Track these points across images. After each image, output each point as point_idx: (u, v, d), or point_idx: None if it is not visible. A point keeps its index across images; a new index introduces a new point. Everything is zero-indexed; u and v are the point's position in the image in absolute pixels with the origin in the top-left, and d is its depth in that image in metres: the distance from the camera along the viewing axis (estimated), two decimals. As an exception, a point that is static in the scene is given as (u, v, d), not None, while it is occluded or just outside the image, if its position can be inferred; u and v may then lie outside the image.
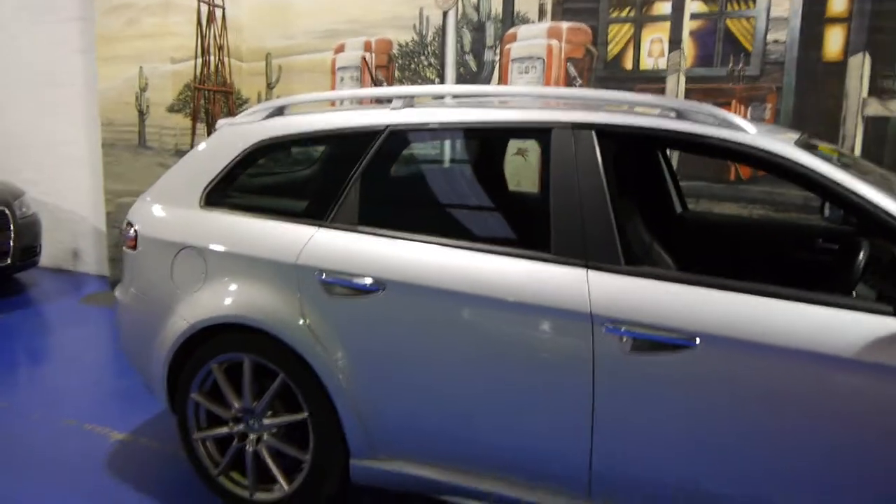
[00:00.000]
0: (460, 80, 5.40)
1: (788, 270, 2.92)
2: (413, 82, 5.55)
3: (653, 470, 2.13)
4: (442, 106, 2.58)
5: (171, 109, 5.95)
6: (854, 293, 2.17)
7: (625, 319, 2.07)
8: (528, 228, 2.38)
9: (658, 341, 2.04)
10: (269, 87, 5.83)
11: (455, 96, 3.07)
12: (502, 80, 5.30)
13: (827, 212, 3.26)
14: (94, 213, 6.58)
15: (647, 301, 2.07)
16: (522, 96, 2.83)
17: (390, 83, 5.63)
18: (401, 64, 5.56)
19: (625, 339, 2.07)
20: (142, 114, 6.03)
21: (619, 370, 2.09)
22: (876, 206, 1.96)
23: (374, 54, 5.63)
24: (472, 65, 5.35)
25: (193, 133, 5.94)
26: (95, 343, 4.89)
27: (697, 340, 1.99)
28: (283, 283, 2.51)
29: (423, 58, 5.50)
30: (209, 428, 2.78)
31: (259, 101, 5.84)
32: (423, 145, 3.87)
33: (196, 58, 5.81)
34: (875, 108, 4.47)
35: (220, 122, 2.93)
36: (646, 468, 2.14)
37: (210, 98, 5.83)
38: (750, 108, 4.66)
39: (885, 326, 1.86)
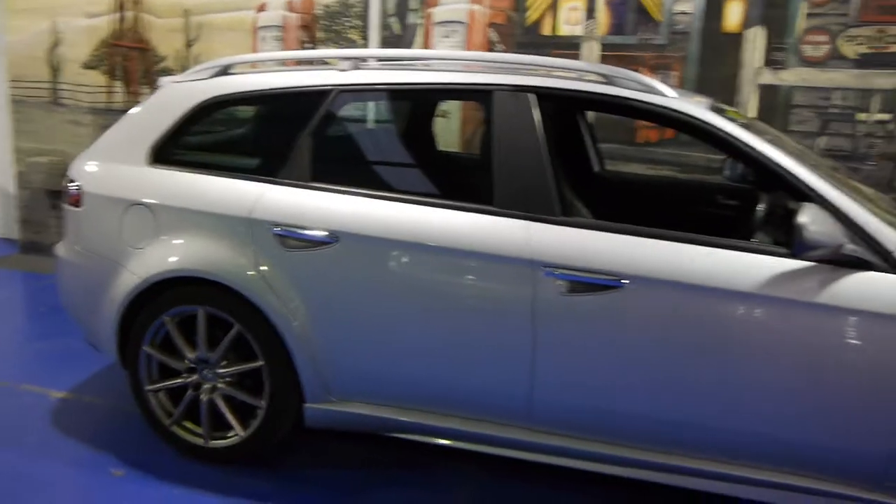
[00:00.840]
0: (384, 42, 5.50)
1: (693, 224, 3.25)
2: (337, 44, 5.61)
3: (588, 398, 2.41)
4: (389, 68, 2.73)
5: (87, 66, 5.77)
6: (755, 239, 2.48)
7: (561, 264, 2.32)
8: (473, 184, 2.59)
9: (590, 283, 2.30)
10: (188, 45, 5.75)
11: (392, 59, 3.20)
12: (425, 43, 5.44)
13: (727, 171, 3.61)
14: (1, 173, 6.33)
15: (581, 247, 2.32)
16: (472, 61, 2.97)
17: (313, 44, 5.66)
18: (324, 25, 5.60)
19: (561, 282, 2.32)
20: (55, 70, 5.82)
21: (556, 310, 2.34)
22: (775, 163, 2.27)
23: (296, 14, 5.63)
24: (396, 27, 5.45)
25: (109, 90, 5.79)
26: (13, 307, 4.79)
27: (625, 281, 2.26)
28: (236, 237, 2.62)
29: (346, 19, 5.56)
30: (162, 380, 2.87)
31: (177, 58, 5.75)
32: (370, 105, 3.99)
33: (112, 13, 5.65)
34: (767, 77, 4.89)
35: (164, 80, 2.96)
36: (581, 396, 2.41)
37: (126, 55, 5.69)
38: (658, 75, 5.00)
39: (783, 265, 2.18)
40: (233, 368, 2.75)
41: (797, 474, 2.31)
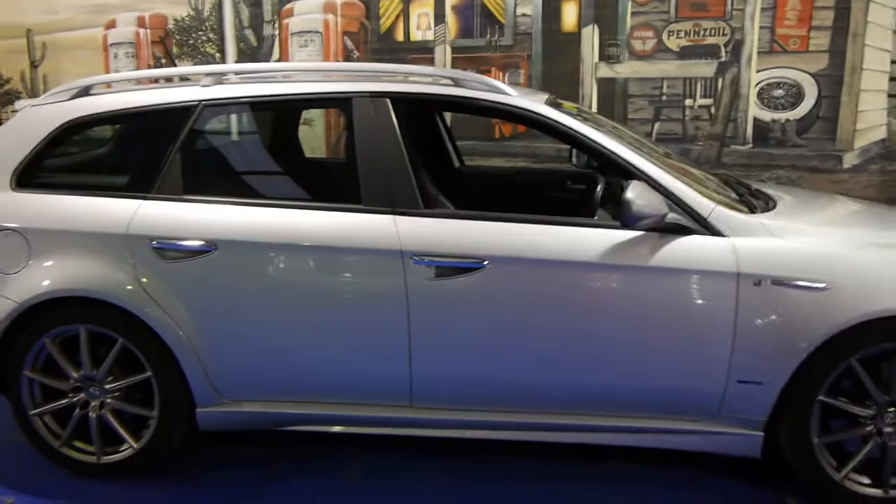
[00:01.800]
0: (241, 55, 5.56)
1: (547, 208, 3.58)
2: (193, 58, 5.61)
3: (462, 371, 2.66)
4: (252, 81, 2.86)
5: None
6: (596, 217, 2.82)
7: (427, 252, 2.55)
8: (340, 185, 2.77)
9: (455, 266, 2.55)
10: (34, 65, 5.57)
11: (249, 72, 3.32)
12: (282, 54, 5.55)
13: (574, 159, 3.98)
14: None
15: (444, 235, 2.57)
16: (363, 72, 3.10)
17: (168, 59, 5.63)
18: (178, 39, 5.58)
19: (429, 268, 2.55)
20: None
21: (427, 294, 2.58)
22: (605, 148, 2.61)
23: (148, 30, 5.59)
24: (252, 39, 5.53)
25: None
26: None
27: (486, 262, 2.52)
28: (114, 253, 2.67)
29: (201, 33, 5.57)
30: (46, 402, 2.86)
31: (23, 80, 5.56)
32: (236, 118, 4.08)
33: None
34: (604, 71, 5.37)
35: (21, 104, 2.95)
36: (457, 371, 2.66)
37: (-33, 79, 5.44)
38: (507, 74, 5.37)
39: (617, 236, 2.51)
40: (120, 383, 2.80)
41: (653, 417, 2.66)
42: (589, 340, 2.58)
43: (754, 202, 2.87)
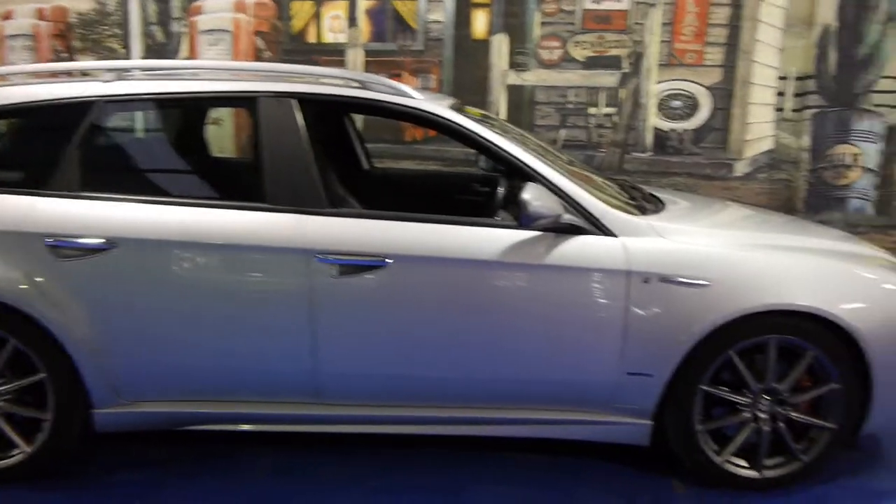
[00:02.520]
0: (147, 51, 5.44)
1: (454, 210, 3.67)
2: (95, 53, 5.45)
3: (367, 367, 2.70)
4: (155, 78, 2.83)
5: None
6: (497, 218, 2.92)
7: (331, 250, 2.59)
8: (245, 184, 2.78)
9: (358, 265, 2.60)
10: (-80, 56, 5.29)
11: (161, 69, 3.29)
12: (191, 51, 5.46)
13: (482, 163, 4.09)
14: None
15: (347, 234, 2.62)
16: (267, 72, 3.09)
17: (69, 53, 5.45)
18: (80, 34, 5.41)
19: (332, 266, 2.59)
20: None
21: (331, 291, 2.62)
22: (505, 151, 2.71)
23: (48, 22, 5.39)
24: (160, 36, 5.42)
25: None
26: None
27: (388, 260, 2.58)
28: (6, 251, 2.59)
29: (104, 28, 5.42)
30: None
31: None
32: (142, 115, 3.99)
33: None
34: (513, 79, 5.53)
35: None
36: (361, 367, 2.70)
37: None
38: (419, 79, 5.45)
39: (515, 236, 2.62)
40: (11, 385, 2.71)
41: (549, 409, 2.77)
42: (488, 336, 2.68)
43: (645, 205, 3.04)
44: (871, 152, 5.61)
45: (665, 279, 2.60)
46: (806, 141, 5.62)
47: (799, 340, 2.64)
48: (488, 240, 2.62)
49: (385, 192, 3.86)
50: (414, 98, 2.79)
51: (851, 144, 5.59)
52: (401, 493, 2.74)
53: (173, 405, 2.77)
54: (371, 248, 2.60)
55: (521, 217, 2.53)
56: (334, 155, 3.48)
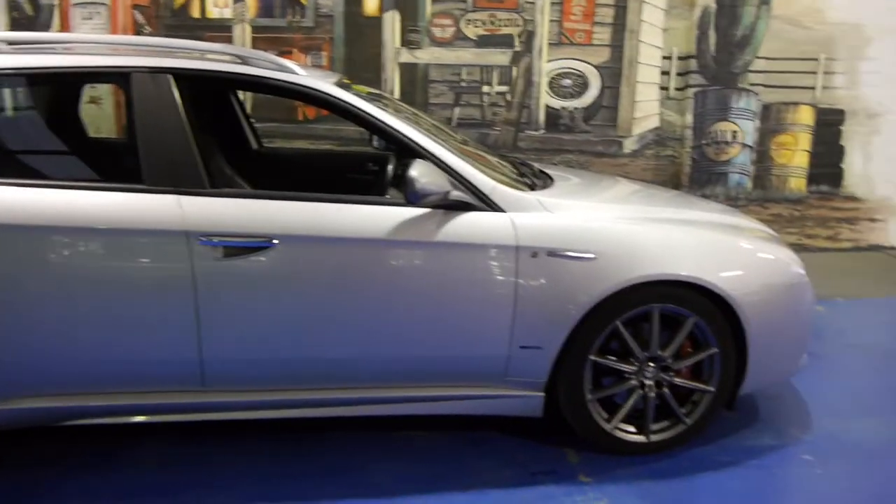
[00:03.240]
0: (14, 24, 5.07)
1: (347, 190, 3.62)
2: (-46, 26, 5.02)
3: (255, 353, 2.62)
4: (23, 52, 2.63)
5: None
6: (388, 195, 2.89)
7: (214, 232, 2.49)
8: (122, 165, 2.62)
9: (244, 246, 2.51)
10: None
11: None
12: (63, 25, 5.12)
13: (376, 142, 4.04)
14: None
15: (231, 215, 2.52)
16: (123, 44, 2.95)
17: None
18: (-64, 5, 4.98)
19: (217, 248, 2.49)
20: None
21: (214, 275, 2.51)
22: (392, 128, 2.67)
23: None
24: (28, 8, 5.05)
25: None
26: None
27: (275, 241, 2.50)
28: None
29: (-37, -1, 5.00)
30: None
31: None
32: (10, 92, 3.71)
33: None
34: (406, 57, 5.48)
35: None
36: (249, 352, 2.62)
37: None
38: (310, 56, 5.32)
39: (404, 213, 2.59)
40: None
41: (444, 386, 2.77)
42: (380, 314, 2.64)
43: (535, 181, 3.08)
44: (748, 129, 5.91)
45: (552, 253, 2.64)
46: (689, 119, 5.85)
47: (680, 309, 2.74)
48: (377, 218, 2.58)
49: (275, 173, 3.75)
50: (297, 74, 2.70)
51: (731, 122, 5.87)
52: (301, 479, 2.69)
53: (52, 400, 2.60)
54: (256, 228, 2.51)
55: (408, 194, 2.50)
56: (219, 134, 3.35)
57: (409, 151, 2.69)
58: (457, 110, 5.64)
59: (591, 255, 2.65)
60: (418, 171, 2.48)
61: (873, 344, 4.12)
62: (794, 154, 6.04)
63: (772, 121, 5.95)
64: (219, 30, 5.17)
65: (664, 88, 5.81)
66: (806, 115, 5.98)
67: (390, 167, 3.08)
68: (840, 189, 6.19)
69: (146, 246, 2.51)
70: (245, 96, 4.71)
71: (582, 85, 5.71)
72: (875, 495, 2.70)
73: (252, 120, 3.98)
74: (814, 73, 5.92)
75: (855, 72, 5.96)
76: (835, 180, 6.17)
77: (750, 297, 2.76)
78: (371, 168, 3.85)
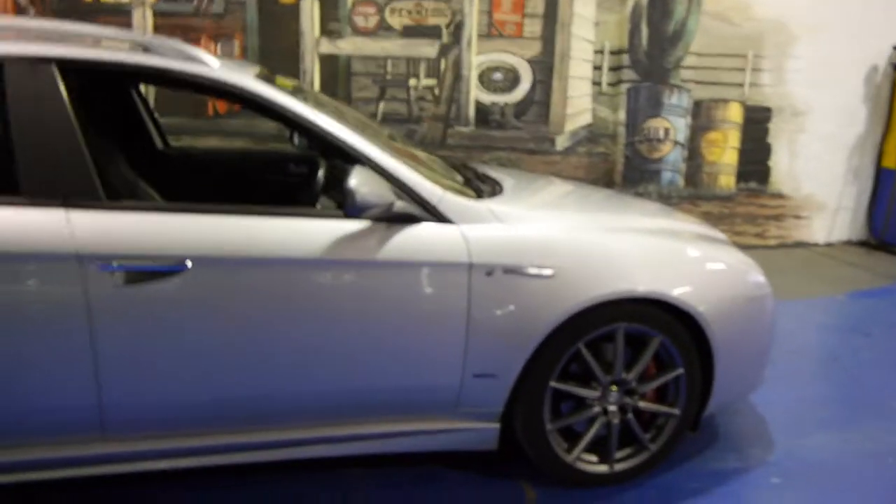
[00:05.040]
0: None
1: (267, 194, 3.22)
2: None
3: (165, 394, 2.22)
4: None
5: None
6: (318, 205, 2.52)
7: (113, 254, 2.07)
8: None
9: (150, 270, 2.10)
10: None
11: None
12: (-70, 6, 4.48)
13: (297, 140, 3.65)
14: None
15: (133, 233, 2.10)
16: None
17: None
18: None
19: (117, 274, 2.08)
20: None
21: (116, 305, 2.10)
22: (323, 129, 2.31)
23: None
24: None
25: None
26: None
27: (188, 263, 2.11)
28: None
29: None
30: None
31: None
32: None
33: None
34: (326, 47, 5.08)
35: None
36: (157, 393, 2.22)
37: None
38: (220, 45, 4.85)
39: (341, 228, 2.24)
40: None
41: (389, 420, 2.45)
42: (314, 346, 2.29)
43: (481, 186, 2.78)
44: (680, 126, 5.81)
45: (510, 270, 2.35)
46: (622, 115, 5.70)
47: (646, 328, 2.51)
48: (310, 233, 2.22)
49: (184, 176, 3.32)
50: (210, 66, 2.30)
51: (663, 118, 5.75)
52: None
53: None
54: (165, 249, 2.11)
55: (347, 206, 2.15)
56: (117, 133, 2.90)
57: (344, 156, 2.34)
58: (381, 105, 5.29)
59: (552, 272, 2.37)
60: (358, 181, 2.14)
61: (815, 348, 4.06)
62: (724, 151, 5.99)
63: (702, 118, 5.87)
64: (115, 14, 4.64)
65: (597, 84, 5.63)
66: (735, 113, 5.93)
67: (320, 172, 2.72)
68: (767, 186, 6.19)
69: (28, 272, 2.07)
70: (148, 89, 4.22)
71: (513, 79, 5.46)
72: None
73: (156, 116, 3.52)
74: (742, 70, 5.87)
75: (782, 70, 5.96)
76: (762, 178, 6.17)
77: (717, 311, 2.55)
78: (294, 170, 3.47)
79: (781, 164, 6.19)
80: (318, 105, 2.49)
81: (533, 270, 2.36)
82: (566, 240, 2.46)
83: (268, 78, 2.49)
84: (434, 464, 2.67)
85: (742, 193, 6.13)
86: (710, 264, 2.68)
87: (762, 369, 2.84)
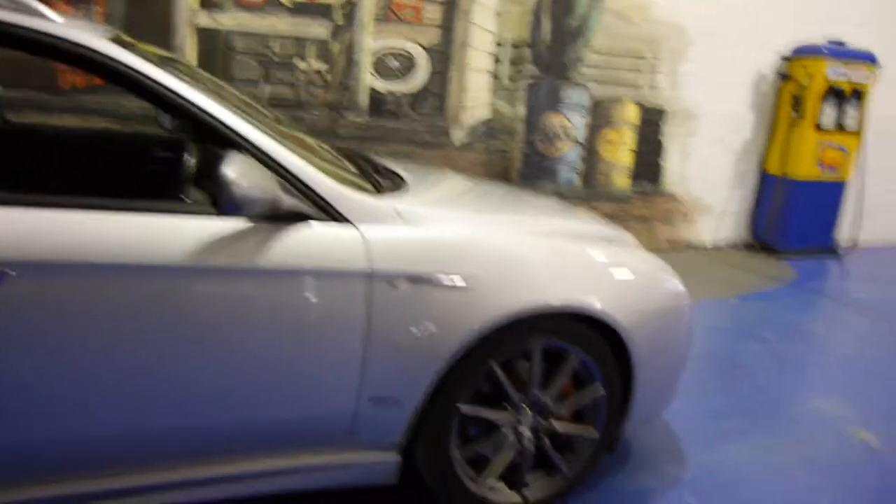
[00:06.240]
0: None
1: (125, 184, 2.75)
2: None
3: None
4: None
5: None
6: (186, 199, 2.10)
7: None
8: None
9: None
10: None
11: None
12: None
13: (165, 121, 3.18)
14: None
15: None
16: None
17: None
18: None
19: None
20: None
21: None
22: (195, 105, 1.90)
23: None
24: None
25: None
26: None
27: (10, 272, 1.65)
28: None
29: None
30: None
31: None
32: None
33: None
34: (205, 20, 4.56)
35: None
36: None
37: None
38: (80, 11, 4.24)
39: (214, 228, 1.84)
40: None
41: (270, 456, 2.06)
42: (179, 374, 1.87)
43: (381, 181, 2.44)
44: (579, 124, 5.67)
45: (417, 279, 2.02)
46: (521, 110, 5.50)
47: (564, 343, 2.26)
48: (173, 234, 1.81)
49: (27, 159, 2.79)
50: (54, 21, 1.84)
51: (562, 115, 5.59)
52: None
53: None
54: (-24, 252, 1.64)
55: (222, 202, 1.76)
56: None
57: (221, 140, 1.94)
58: (267, 88, 4.82)
59: (464, 282, 2.07)
60: (237, 171, 1.75)
61: (715, 354, 3.98)
62: (620, 151, 5.92)
63: (600, 117, 5.76)
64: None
65: (496, 77, 5.40)
66: (632, 113, 5.87)
67: (190, 159, 2.29)
68: (660, 188, 6.19)
69: None
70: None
71: (409, 67, 5.13)
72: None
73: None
74: (640, 71, 5.81)
75: (677, 73, 5.95)
76: (655, 179, 6.15)
77: (638, 323, 2.34)
78: (161, 156, 3.00)
79: (673, 166, 6.20)
80: (192, 79, 2.07)
81: (444, 280, 2.04)
82: (481, 245, 2.16)
83: (126, 43, 2.04)
84: (328, 501, 2.32)
85: (636, 195, 6.09)
86: (628, 272, 2.45)
87: (678, 382, 2.66)
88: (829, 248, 6.60)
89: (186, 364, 1.86)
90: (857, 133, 6.28)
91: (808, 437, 3.09)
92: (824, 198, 6.38)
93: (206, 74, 2.64)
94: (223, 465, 2.02)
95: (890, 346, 4.42)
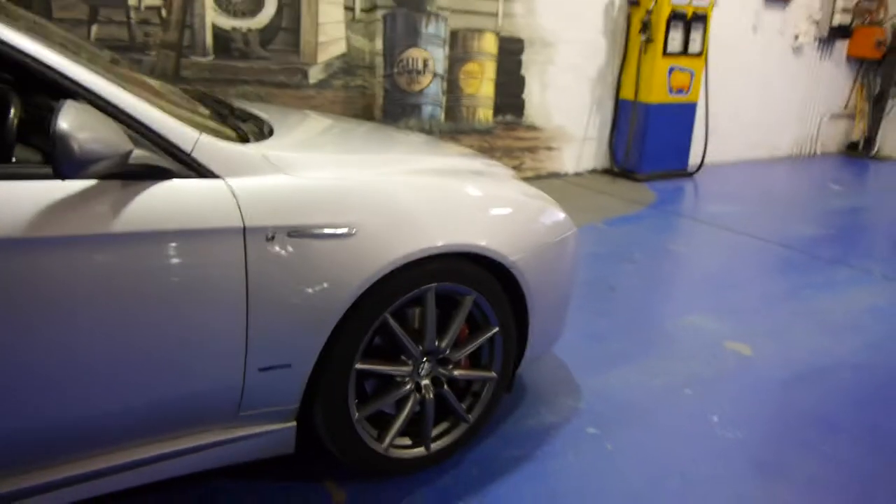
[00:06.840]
0: None
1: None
2: None
3: None
4: None
5: None
6: (14, 158, 1.78)
7: None
8: None
9: None
10: None
11: None
12: None
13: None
14: None
15: None
16: None
17: None
18: None
19: None
20: None
21: None
22: (15, 48, 1.58)
23: None
24: None
25: None
26: None
27: None
28: None
29: None
30: None
31: None
32: None
33: None
34: (9, -49, 3.96)
35: None
36: None
37: None
38: None
39: (52, 191, 1.56)
40: None
41: (155, 440, 1.84)
42: (33, 360, 1.60)
43: (244, 127, 2.19)
44: (439, 57, 5.51)
45: (297, 232, 1.83)
46: (379, 44, 5.25)
47: (458, 286, 2.16)
48: (3, 201, 1.51)
49: None
50: None
51: (422, 49, 5.41)
52: None
53: None
54: None
55: (58, 160, 1.47)
56: None
57: (52, 87, 1.63)
58: (94, 28, 4.30)
59: (349, 230, 1.90)
60: (75, 122, 1.46)
61: (591, 279, 4.05)
62: (482, 83, 5.83)
63: (459, 48, 5.62)
64: None
65: (349, 9, 5.10)
66: (490, 44, 5.77)
67: (15, 111, 1.94)
68: (522, 119, 6.18)
69: None
70: None
71: (255, 2, 4.74)
72: (669, 470, 2.45)
73: None
74: (496, -2, 5.70)
75: (532, 0, 5.88)
76: (518, 110, 6.13)
77: (528, 259, 2.27)
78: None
79: (534, 96, 6.20)
80: (5, 16, 1.73)
81: (327, 230, 1.87)
82: (359, 189, 1.99)
83: None
84: (220, 478, 2.13)
85: (500, 126, 6.06)
86: (510, 206, 2.36)
87: (567, 314, 2.65)
88: (683, 169, 6.91)
89: (50, 348, 1.59)
90: (701, 55, 6.53)
91: (688, 353, 3.21)
92: (677, 120, 6.64)
93: (22, 11, 2.24)
94: (104, 456, 1.78)
95: (742, 255, 4.70)
